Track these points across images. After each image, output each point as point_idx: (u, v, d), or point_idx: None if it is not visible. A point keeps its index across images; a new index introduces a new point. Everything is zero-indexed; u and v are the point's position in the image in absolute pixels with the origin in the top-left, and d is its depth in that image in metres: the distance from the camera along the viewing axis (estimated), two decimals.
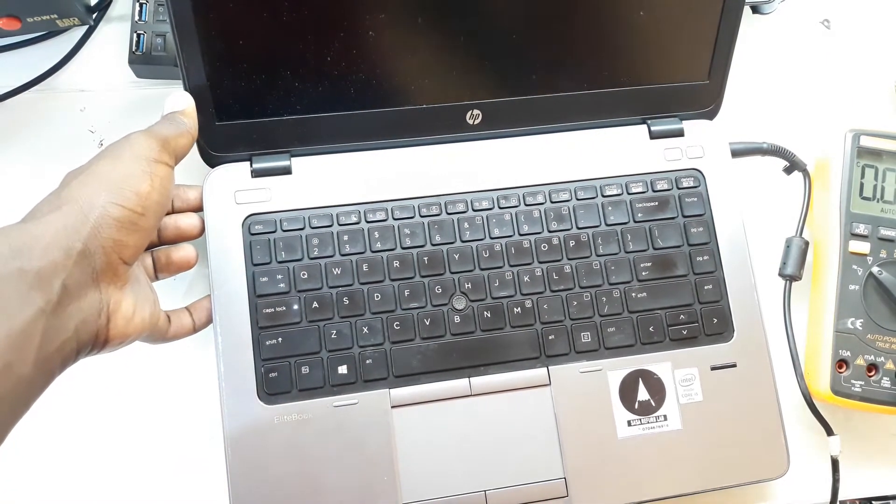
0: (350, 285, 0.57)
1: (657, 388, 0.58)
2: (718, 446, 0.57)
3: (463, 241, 0.59)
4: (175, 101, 0.55)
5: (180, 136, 0.53)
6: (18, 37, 0.66)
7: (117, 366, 0.59)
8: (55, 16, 0.62)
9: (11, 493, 0.58)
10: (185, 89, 0.56)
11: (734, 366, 0.59)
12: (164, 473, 0.58)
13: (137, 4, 0.64)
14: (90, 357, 0.48)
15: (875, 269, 0.60)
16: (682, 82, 0.63)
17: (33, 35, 0.67)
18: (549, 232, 0.60)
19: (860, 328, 0.60)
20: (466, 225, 0.59)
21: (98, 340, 0.47)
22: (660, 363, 0.58)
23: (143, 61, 0.64)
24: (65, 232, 0.44)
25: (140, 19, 0.64)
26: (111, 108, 0.66)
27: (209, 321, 0.57)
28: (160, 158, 0.50)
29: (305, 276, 0.57)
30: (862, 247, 0.61)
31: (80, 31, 0.67)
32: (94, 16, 0.67)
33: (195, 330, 0.57)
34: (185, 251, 0.57)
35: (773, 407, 0.58)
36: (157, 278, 0.57)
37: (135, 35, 0.64)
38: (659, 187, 0.62)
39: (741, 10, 0.61)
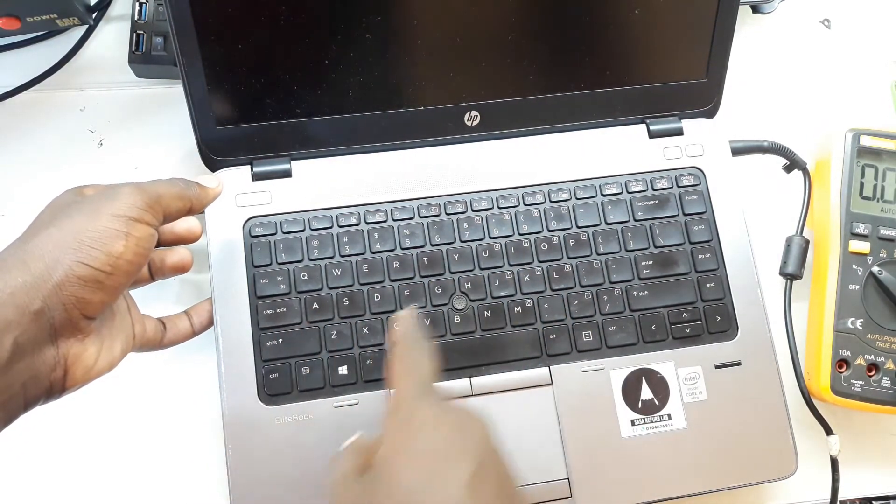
0: (350, 286, 0.57)
1: (661, 387, 0.58)
2: (724, 446, 0.57)
3: (462, 242, 0.59)
4: (207, 178, 0.55)
5: (178, 198, 0.50)
6: (18, 36, 0.66)
7: (119, 367, 0.58)
8: (55, 15, 0.62)
9: (12, 492, 0.58)
10: (186, 93, 0.56)
11: (739, 364, 0.58)
12: (165, 474, 0.58)
13: (137, 4, 0.64)
14: (45, 405, 0.47)
15: (875, 269, 0.60)
16: (680, 81, 0.63)
17: (33, 35, 0.67)
18: (549, 231, 0.60)
19: (860, 328, 0.60)
20: (466, 225, 0.59)
21: (52, 392, 0.46)
22: (663, 362, 0.58)
23: (143, 61, 0.64)
24: (24, 289, 0.42)
25: (140, 19, 0.64)
26: (111, 107, 0.66)
27: (209, 324, 0.56)
28: (141, 218, 0.47)
29: (306, 278, 0.57)
30: (862, 246, 0.61)
31: (80, 31, 0.67)
32: (94, 15, 0.67)
33: (194, 333, 0.56)
34: (179, 255, 0.56)
35: (779, 406, 0.58)
36: (153, 279, 0.56)
37: (135, 35, 0.64)
38: (659, 186, 0.62)
39: (737, 7, 0.61)
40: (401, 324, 0.48)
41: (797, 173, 0.66)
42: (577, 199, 0.61)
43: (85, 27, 0.66)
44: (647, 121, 0.63)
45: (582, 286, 0.59)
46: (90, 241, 0.45)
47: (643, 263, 0.60)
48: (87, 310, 0.45)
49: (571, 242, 0.60)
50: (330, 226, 0.58)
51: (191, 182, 0.53)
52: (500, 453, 0.43)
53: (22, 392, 0.43)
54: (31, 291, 0.43)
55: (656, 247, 0.60)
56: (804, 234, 0.64)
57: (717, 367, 0.58)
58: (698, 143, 0.63)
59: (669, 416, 0.57)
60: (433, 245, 0.59)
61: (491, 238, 0.59)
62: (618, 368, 0.58)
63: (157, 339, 0.54)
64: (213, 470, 0.57)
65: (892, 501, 0.66)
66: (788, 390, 0.59)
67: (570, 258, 0.59)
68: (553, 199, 0.60)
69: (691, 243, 0.60)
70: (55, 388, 0.46)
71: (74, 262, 0.44)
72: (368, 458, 0.42)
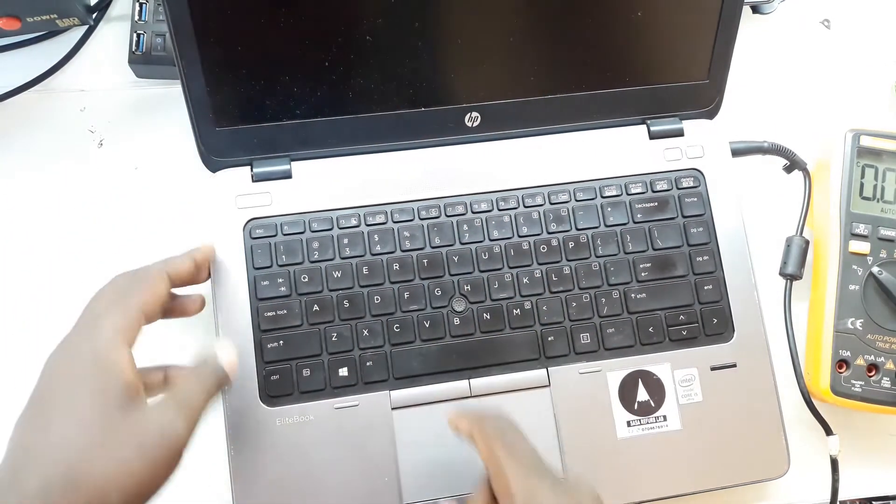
0: (350, 288, 0.57)
1: (657, 389, 0.58)
2: (718, 446, 0.57)
3: (462, 244, 0.59)
4: (226, 351, 0.50)
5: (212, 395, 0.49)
6: (18, 37, 0.66)
7: None
8: (55, 16, 0.62)
9: None
10: (185, 94, 0.56)
11: (734, 366, 0.59)
12: None
13: (137, 4, 0.64)
14: None
15: (875, 269, 0.60)
16: (682, 82, 0.63)
17: (33, 35, 0.67)
18: (549, 233, 0.60)
19: (860, 328, 0.60)
20: (466, 227, 0.59)
21: None
22: (659, 364, 0.58)
23: (143, 61, 0.64)
24: None
25: (140, 19, 0.64)
26: (111, 108, 0.66)
27: None
28: (189, 438, 0.46)
29: (306, 280, 0.57)
30: (862, 247, 0.61)
31: (80, 31, 0.67)
32: (94, 16, 0.67)
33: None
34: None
35: (773, 407, 0.58)
36: None
37: (135, 35, 0.64)
38: (658, 188, 0.62)
39: (740, 9, 0.60)
40: (486, 421, 0.49)
41: (797, 174, 0.66)
42: (577, 201, 0.61)
43: (85, 27, 0.66)
44: (648, 121, 0.63)
45: (581, 288, 0.59)
46: (147, 486, 0.43)
47: (641, 266, 0.60)
48: None
49: (571, 244, 0.60)
50: (330, 227, 0.58)
51: (216, 367, 0.49)
52: None
53: None
54: None
55: (655, 249, 0.60)
56: (804, 235, 0.64)
57: (713, 368, 0.58)
58: (698, 144, 0.63)
59: (665, 417, 0.57)
60: (433, 247, 0.59)
61: (490, 240, 0.59)
62: (615, 370, 0.58)
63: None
64: (216, 470, 0.57)
65: (892, 501, 0.67)
66: (789, 391, 0.60)
67: (569, 260, 0.59)
68: (553, 202, 0.61)
69: (690, 245, 0.61)
70: None
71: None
72: None
